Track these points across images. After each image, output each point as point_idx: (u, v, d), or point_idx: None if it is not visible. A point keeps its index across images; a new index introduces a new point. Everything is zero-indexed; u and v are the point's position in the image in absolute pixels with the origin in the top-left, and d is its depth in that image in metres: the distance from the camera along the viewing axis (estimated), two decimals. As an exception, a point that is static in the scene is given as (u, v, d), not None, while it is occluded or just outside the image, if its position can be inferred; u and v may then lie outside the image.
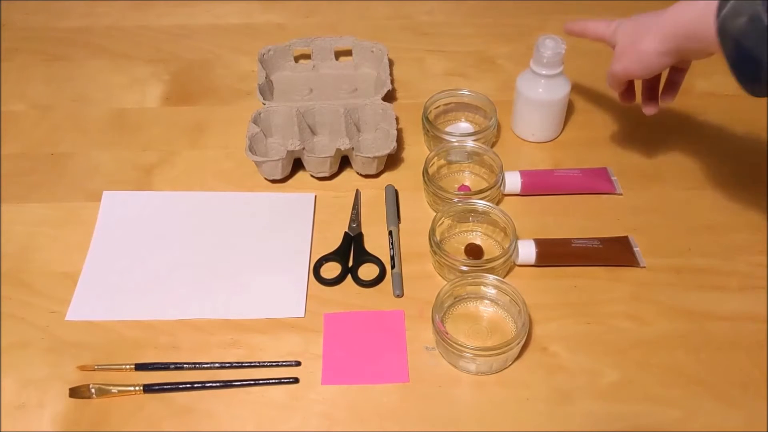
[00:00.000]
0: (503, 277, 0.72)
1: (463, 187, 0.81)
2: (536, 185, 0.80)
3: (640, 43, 0.67)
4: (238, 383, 0.66)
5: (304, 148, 0.81)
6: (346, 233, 0.78)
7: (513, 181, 0.80)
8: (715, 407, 0.64)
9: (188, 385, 0.65)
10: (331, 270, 0.74)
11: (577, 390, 0.65)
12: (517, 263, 0.74)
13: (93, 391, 0.65)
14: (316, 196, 0.82)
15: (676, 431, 0.62)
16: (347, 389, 0.66)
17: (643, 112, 0.78)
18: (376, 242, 0.77)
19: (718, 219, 0.78)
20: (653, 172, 0.83)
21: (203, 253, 0.76)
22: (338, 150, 0.80)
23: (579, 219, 0.79)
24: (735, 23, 0.57)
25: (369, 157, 0.80)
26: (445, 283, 0.69)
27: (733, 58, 0.58)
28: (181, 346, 0.69)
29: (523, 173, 0.80)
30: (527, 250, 0.73)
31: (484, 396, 0.65)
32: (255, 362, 0.67)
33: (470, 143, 0.82)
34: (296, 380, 0.66)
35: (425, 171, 0.79)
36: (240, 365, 0.67)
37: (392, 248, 0.75)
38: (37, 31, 1.05)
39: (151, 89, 0.95)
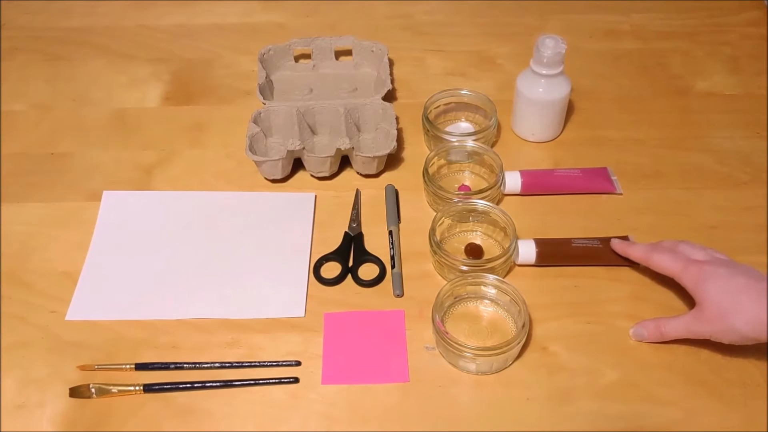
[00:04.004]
0: (503, 277, 0.72)
1: (463, 187, 0.81)
2: (536, 185, 0.80)
3: (733, 319, 0.61)
4: (238, 383, 0.66)
5: (304, 148, 0.80)
6: (346, 233, 0.77)
7: (513, 181, 0.80)
8: (715, 407, 0.64)
9: (188, 385, 0.65)
10: (331, 270, 0.74)
11: (577, 390, 0.65)
12: (517, 263, 0.74)
13: (93, 390, 0.65)
14: (316, 196, 0.81)
15: (676, 431, 0.62)
16: (347, 389, 0.66)
17: None
18: (376, 242, 0.77)
19: (718, 219, 0.78)
20: (653, 172, 0.83)
21: (203, 252, 0.76)
22: (338, 150, 0.80)
23: (579, 219, 0.79)
24: None
25: (369, 157, 0.80)
26: (445, 282, 0.69)
27: None
28: (181, 345, 0.69)
29: (523, 173, 0.80)
30: (527, 250, 0.73)
31: (484, 396, 0.65)
32: (255, 362, 0.67)
33: (470, 143, 0.82)
34: (296, 380, 0.66)
35: (425, 171, 0.79)
36: (240, 365, 0.67)
37: (392, 248, 0.75)
38: (38, 31, 1.05)
39: (151, 89, 0.95)
